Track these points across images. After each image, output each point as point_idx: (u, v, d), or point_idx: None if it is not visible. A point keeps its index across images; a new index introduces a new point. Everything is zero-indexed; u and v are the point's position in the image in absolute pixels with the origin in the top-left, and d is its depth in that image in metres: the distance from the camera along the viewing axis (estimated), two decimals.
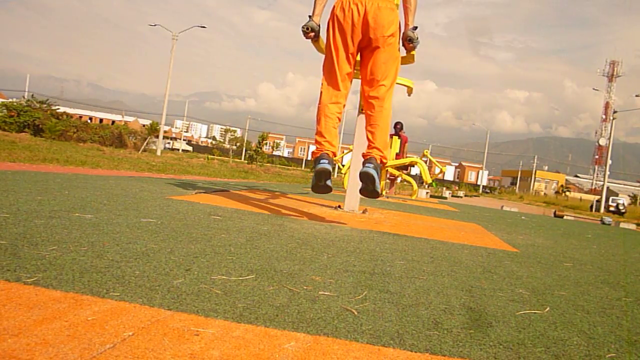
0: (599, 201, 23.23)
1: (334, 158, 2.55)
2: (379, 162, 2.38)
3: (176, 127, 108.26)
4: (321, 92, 2.55)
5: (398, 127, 8.08)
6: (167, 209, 2.10)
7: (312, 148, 2.59)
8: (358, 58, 2.58)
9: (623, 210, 22.79)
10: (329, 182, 2.41)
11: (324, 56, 2.59)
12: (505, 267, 1.78)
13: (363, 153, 2.48)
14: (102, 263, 1.08)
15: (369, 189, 2.32)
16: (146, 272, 1.06)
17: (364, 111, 2.58)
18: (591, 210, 22.91)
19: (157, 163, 8.89)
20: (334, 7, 2.48)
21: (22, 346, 0.64)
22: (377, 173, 2.32)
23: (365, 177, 2.31)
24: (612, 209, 23.06)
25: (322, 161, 2.38)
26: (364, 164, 2.38)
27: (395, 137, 7.68)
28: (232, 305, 0.92)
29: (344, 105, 2.58)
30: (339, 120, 2.54)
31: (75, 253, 1.14)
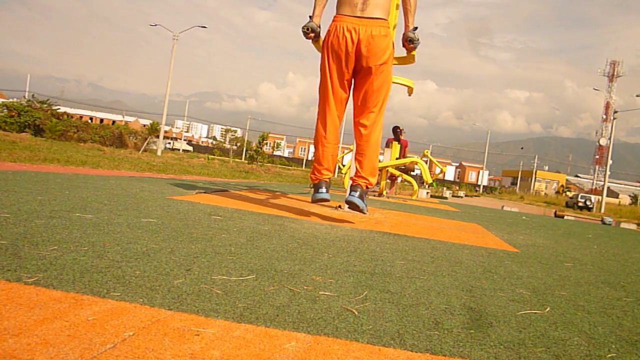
0: (571, 198, 27.54)
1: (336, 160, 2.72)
2: (364, 189, 2.60)
3: (177, 127, 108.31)
4: (317, 120, 2.63)
5: (398, 132, 8.06)
6: (168, 209, 2.10)
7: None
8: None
9: (591, 206, 25.76)
10: (326, 202, 2.68)
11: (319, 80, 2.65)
12: (506, 267, 1.78)
13: (351, 177, 2.71)
14: (102, 263, 1.08)
15: (355, 210, 2.60)
16: (147, 272, 1.06)
17: (354, 136, 2.72)
18: (566, 206, 26.46)
19: (157, 163, 8.90)
20: (328, 32, 2.51)
21: (22, 346, 0.64)
22: (363, 199, 2.56)
23: (350, 204, 2.56)
24: (580, 204, 26.29)
25: (320, 190, 2.59)
26: (350, 190, 2.61)
27: (395, 142, 7.68)
28: (233, 305, 0.92)
29: (340, 126, 2.68)
30: (337, 144, 2.68)
31: (75, 253, 1.14)
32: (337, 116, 2.59)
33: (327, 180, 2.63)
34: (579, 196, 27.41)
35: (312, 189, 2.67)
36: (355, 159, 2.68)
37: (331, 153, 2.63)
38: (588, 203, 26.31)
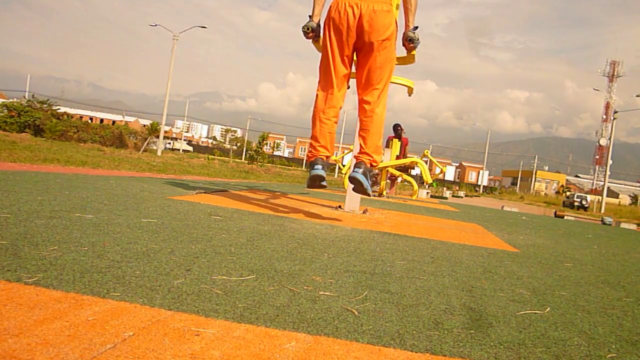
0: (568, 197, 28.86)
1: (332, 157, 2.59)
2: (368, 166, 2.50)
3: (177, 127, 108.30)
4: (317, 96, 2.55)
5: (399, 130, 8.09)
6: (168, 209, 2.10)
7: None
8: (354, 58, 2.58)
9: (587, 206, 26.89)
10: (323, 183, 2.50)
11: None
12: (506, 267, 1.78)
13: (355, 156, 2.60)
14: (102, 263, 1.08)
15: (359, 189, 2.50)
16: (147, 272, 1.06)
17: (357, 114, 2.62)
18: (563, 205, 27.80)
19: (157, 163, 8.90)
20: (330, 8, 2.48)
21: (22, 346, 0.64)
22: (366, 176, 2.45)
23: (353, 180, 2.46)
24: (577, 204, 27.47)
25: (316, 167, 2.47)
26: (353, 167, 2.51)
27: (396, 140, 7.69)
28: (233, 306, 0.92)
29: (341, 107, 2.59)
30: (335, 123, 2.58)
31: (75, 253, 1.14)
32: (337, 93, 2.52)
33: (324, 158, 2.52)
34: (575, 196, 28.75)
35: (309, 169, 2.54)
36: (359, 135, 2.58)
37: (329, 130, 2.53)
38: (584, 202, 27.51)
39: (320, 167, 2.46)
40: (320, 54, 2.60)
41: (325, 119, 2.52)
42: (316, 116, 2.53)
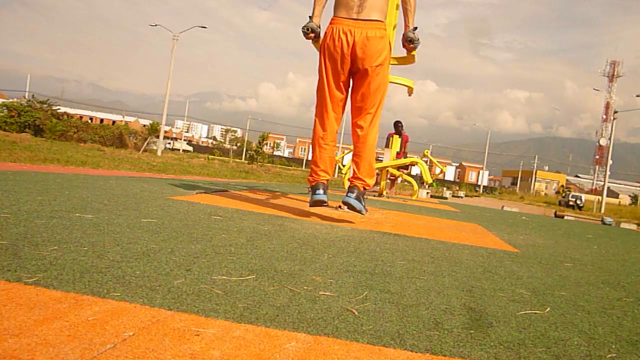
0: (564, 197, 30.01)
1: (335, 159, 2.68)
2: (361, 189, 2.58)
3: (177, 127, 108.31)
4: (315, 122, 2.62)
5: (399, 126, 8.14)
6: (168, 209, 2.10)
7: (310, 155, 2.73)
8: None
9: (581, 205, 27.65)
10: (325, 205, 2.61)
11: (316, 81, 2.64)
12: (506, 267, 1.78)
13: (349, 179, 2.69)
14: (102, 263, 1.09)
15: (352, 210, 2.57)
16: (147, 272, 1.06)
17: (352, 136, 2.70)
18: (559, 204, 28.59)
19: (157, 163, 8.90)
20: (325, 34, 2.52)
21: (22, 346, 0.64)
22: (360, 200, 2.54)
23: (347, 205, 2.54)
24: (571, 203, 28.20)
25: (317, 192, 2.56)
26: (347, 191, 2.59)
27: (396, 136, 7.71)
28: (233, 306, 0.92)
29: (338, 128, 2.67)
30: (335, 147, 2.68)
31: (75, 253, 1.14)
32: (334, 118, 2.59)
33: (325, 182, 2.61)
34: (570, 195, 29.65)
35: (310, 192, 2.64)
36: (352, 160, 2.67)
37: (329, 155, 2.62)
38: (578, 202, 28.33)
39: (322, 191, 2.56)
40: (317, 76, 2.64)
41: (324, 144, 2.60)
42: (315, 142, 2.62)
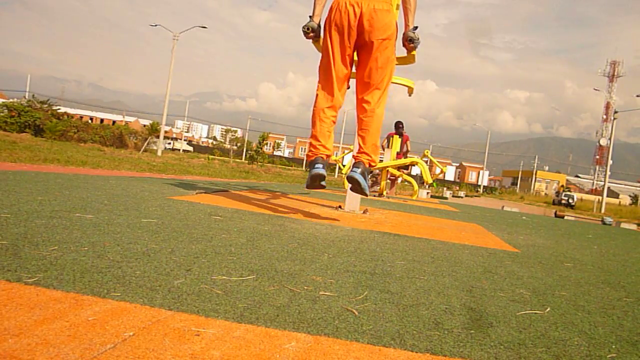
0: (557, 196, 30.96)
1: (332, 157, 2.60)
2: (367, 166, 2.50)
3: (177, 128, 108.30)
4: (317, 95, 2.55)
5: (400, 127, 8.16)
6: (168, 209, 2.10)
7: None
8: (355, 58, 2.58)
9: (573, 204, 28.67)
10: (323, 183, 2.49)
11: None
12: (506, 268, 1.78)
13: (353, 155, 2.60)
14: (102, 263, 1.09)
15: (356, 189, 2.49)
16: (147, 272, 1.06)
17: (356, 114, 2.61)
18: (552, 203, 29.64)
19: (157, 163, 8.90)
20: (330, 7, 2.48)
21: (23, 346, 0.64)
22: (364, 176, 2.45)
23: (351, 180, 2.45)
24: (564, 202, 29.19)
25: (316, 165, 2.46)
26: (352, 167, 2.50)
27: (397, 136, 7.71)
28: (233, 306, 0.92)
29: (341, 107, 2.58)
30: (334, 123, 2.58)
31: (76, 253, 1.14)
32: (338, 93, 2.51)
33: (324, 157, 2.51)
34: (563, 194, 30.73)
35: (309, 168, 2.52)
36: (358, 134, 2.58)
37: (328, 129, 2.53)
38: (570, 201, 29.34)
39: (320, 165, 2.45)
40: (320, 54, 2.60)
41: (325, 117, 2.51)
42: (316, 115, 2.53)
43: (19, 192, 2.05)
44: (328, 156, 2.55)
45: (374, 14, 2.37)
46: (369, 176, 2.57)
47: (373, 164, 2.53)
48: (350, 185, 2.49)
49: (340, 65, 2.48)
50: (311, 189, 2.55)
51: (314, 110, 2.55)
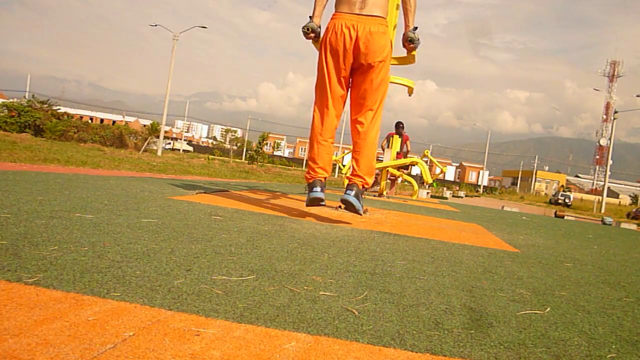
0: (554, 195, 32.04)
1: (333, 158, 2.63)
2: (360, 188, 2.53)
3: (177, 128, 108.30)
4: (313, 117, 2.58)
5: (400, 127, 8.19)
6: (168, 209, 2.10)
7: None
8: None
9: (569, 203, 29.55)
10: (322, 204, 2.55)
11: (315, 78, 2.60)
12: (506, 268, 1.78)
13: (347, 177, 2.63)
14: (102, 263, 1.09)
15: (350, 210, 2.51)
16: (147, 272, 1.06)
17: (351, 135, 2.66)
18: (549, 202, 30.75)
19: (157, 163, 8.90)
20: (326, 29, 2.49)
21: (22, 346, 0.64)
22: (358, 198, 2.48)
23: (345, 202, 2.47)
24: (560, 201, 30.14)
25: (314, 189, 2.50)
26: (346, 189, 2.53)
27: (397, 136, 7.72)
28: (233, 306, 0.92)
29: (337, 125, 2.62)
30: (332, 143, 2.63)
31: (76, 253, 1.14)
32: (334, 114, 2.54)
33: (322, 179, 2.55)
34: (559, 194, 31.66)
35: (307, 190, 2.57)
36: (352, 157, 2.63)
37: (326, 152, 2.57)
38: (567, 200, 30.25)
39: (319, 189, 2.50)
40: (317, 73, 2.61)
41: (323, 140, 2.56)
42: (314, 138, 2.57)
43: (19, 192, 2.05)
44: (326, 177, 2.61)
45: (370, 37, 2.38)
46: (363, 194, 2.61)
47: (367, 186, 2.57)
48: (344, 206, 2.52)
49: (336, 86, 2.51)
50: (311, 206, 2.61)
51: (311, 132, 2.59)
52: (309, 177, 2.57)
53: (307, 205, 2.57)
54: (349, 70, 2.49)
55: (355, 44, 2.39)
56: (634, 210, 22.76)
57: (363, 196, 2.58)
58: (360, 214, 2.55)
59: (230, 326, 0.82)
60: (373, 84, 2.47)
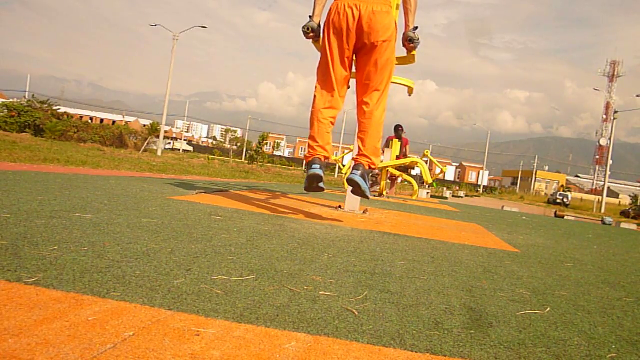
0: (552, 195, 32.86)
1: (332, 157, 2.59)
2: (366, 168, 2.48)
3: (177, 128, 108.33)
4: (315, 96, 2.53)
5: (400, 130, 8.17)
6: (168, 209, 2.10)
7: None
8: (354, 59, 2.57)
9: (567, 203, 30.33)
10: (321, 184, 2.46)
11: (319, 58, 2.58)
12: (506, 268, 1.78)
13: (353, 158, 2.57)
14: (102, 263, 1.09)
15: (357, 192, 2.47)
16: (147, 272, 1.06)
17: (357, 116, 2.60)
18: (547, 202, 31.50)
19: (157, 163, 8.90)
20: (329, 10, 2.47)
21: (23, 346, 0.64)
22: (364, 179, 2.42)
23: (351, 182, 2.43)
24: (558, 201, 30.93)
25: (314, 166, 2.43)
26: (352, 169, 2.48)
27: (396, 140, 7.71)
28: (233, 306, 0.92)
29: (340, 109, 2.57)
30: (333, 124, 2.56)
31: (76, 253, 1.14)
32: (337, 95, 2.50)
33: (322, 158, 2.48)
34: (558, 194, 32.42)
35: (306, 171, 2.47)
36: (358, 137, 2.57)
37: (327, 130, 2.50)
38: (565, 200, 31.03)
39: (318, 166, 2.42)
40: (320, 54, 2.60)
41: (323, 118, 2.50)
42: (314, 116, 2.51)
43: (19, 192, 2.05)
44: (326, 157, 2.52)
45: (373, 16, 2.36)
46: (370, 177, 2.54)
47: (373, 166, 2.51)
48: (350, 188, 2.45)
49: (339, 67, 2.48)
50: (310, 192, 2.51)
51: (312, 111, 2.54)
52: (308, 155, 2.50)
53: (305, 187, 2.47)
54: (352, 50, 2.46)
55: (358, 23, 2.37)
56: (628, 209, 23.17)
57: (370, 180, 2.52)
58: (368, 197, 2.49)
59: (230, 326, 0.82)
60: (378, 64, 2.44)
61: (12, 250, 1.09)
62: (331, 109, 2.51)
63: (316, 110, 2.51)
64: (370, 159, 2.49)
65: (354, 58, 2.55)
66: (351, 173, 2.44)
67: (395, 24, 2.49)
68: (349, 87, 2.61)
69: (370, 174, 2.52)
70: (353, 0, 2.39)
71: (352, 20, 2.38)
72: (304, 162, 2.55)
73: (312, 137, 2.52)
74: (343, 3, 2.41)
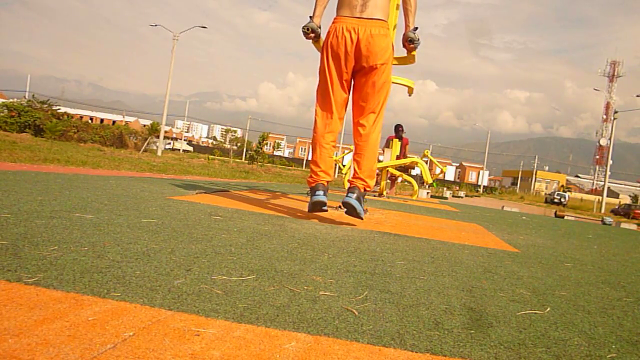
0: (550, 195, 33.77)
1: (333, 158, 2.61)
2: (362, 191, 2.51)
3: (177, 128, 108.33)
4: (316, 121, 2.57)
5: (400, 130, 8.19)
6: (168, 209, 2.10)
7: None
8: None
9: (564, 202, 31.05)
10: (324, 208, 2.51)
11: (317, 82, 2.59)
12: (506, 268, 1.78)
13: (349, 180, 2.60)
14: (102, 263, 1.09)
15: (351, 214, 2.48)
16: (147, 272, 1.06)
17: (353, 137, 2.64)
18: (545, 201, 32.12)
19: (157, 163, 8.90)
20: (327, 33, 2.49)
21: (23, 346, 0.64)
22: (360, 201, 2.45)
23: (346, 205, 2.44)
24: (556, 200, 31.71)
25: (317, 192, 2.47)
26: (347, 192, 2.50)
27: (396, 140, 7.72)
28: (233, 306, 0.92)
29: (339, 131, 2.62)
30: (334, 147, 2.62)
31: (76, 253, 1.14)
32: (337, 117, 2.54)
33: (325, 183, 2.52)
34: (555, 193, 33.30)
35: (309, 194, 2.54)
36: (354, 159, 2.61)
37: (329, 155, 2.56)
38: (562, 200, 31.90)
39: (321, 192, 2.47)
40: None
41: (325, 143, 2.55)
42: (316, 141, 2.56)
43: (19, 192, 2.05)
44: (329, 181, 2.58)
45: (371, 39, 2.38)
46: (365, 196, 2.59)
47: (368, 188, 2.55)
48: (345, 209, 2.49)
49: (339, 90, 2.51)
50: (313, 212, 2.59)
51: (314, 136, 2.58)
52: (311, 180, 2.55)
53: (309, 211, 2.53)
54: (350, 73, 2.49)
55: (356, 46, 2.39)
56: (617, 207, 23.48)
57: (364, 199, 2.55)
58: (362, 218, 2.51)
59: (230, 326, 0.82)
60: (375, 87, 2.47)
61: (12, 250, 1.09)
62: (331, 133, 2.56)
63: (318, 136, 2.55)
64: (366, 182, 2.53)
65: (352, 81, 2.57)
66: (347, 196, 2.46)
67: (392, 45, 2.52)
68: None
69: (365, 195, 2.57)
70: (351, 23, 2.40)
71: (350, 44, 2.40)
72: (308, 186, 2.60)
73: (314, 162, 2.56)
74: (341, 26, 2.42)
